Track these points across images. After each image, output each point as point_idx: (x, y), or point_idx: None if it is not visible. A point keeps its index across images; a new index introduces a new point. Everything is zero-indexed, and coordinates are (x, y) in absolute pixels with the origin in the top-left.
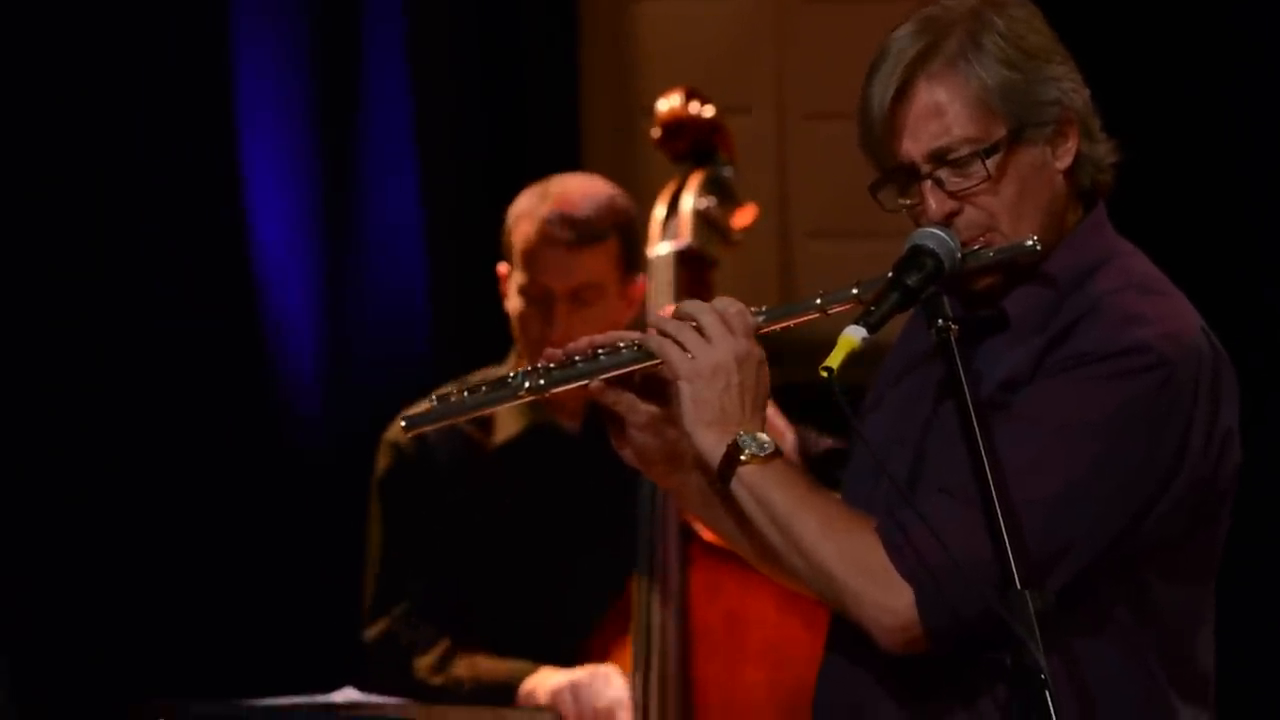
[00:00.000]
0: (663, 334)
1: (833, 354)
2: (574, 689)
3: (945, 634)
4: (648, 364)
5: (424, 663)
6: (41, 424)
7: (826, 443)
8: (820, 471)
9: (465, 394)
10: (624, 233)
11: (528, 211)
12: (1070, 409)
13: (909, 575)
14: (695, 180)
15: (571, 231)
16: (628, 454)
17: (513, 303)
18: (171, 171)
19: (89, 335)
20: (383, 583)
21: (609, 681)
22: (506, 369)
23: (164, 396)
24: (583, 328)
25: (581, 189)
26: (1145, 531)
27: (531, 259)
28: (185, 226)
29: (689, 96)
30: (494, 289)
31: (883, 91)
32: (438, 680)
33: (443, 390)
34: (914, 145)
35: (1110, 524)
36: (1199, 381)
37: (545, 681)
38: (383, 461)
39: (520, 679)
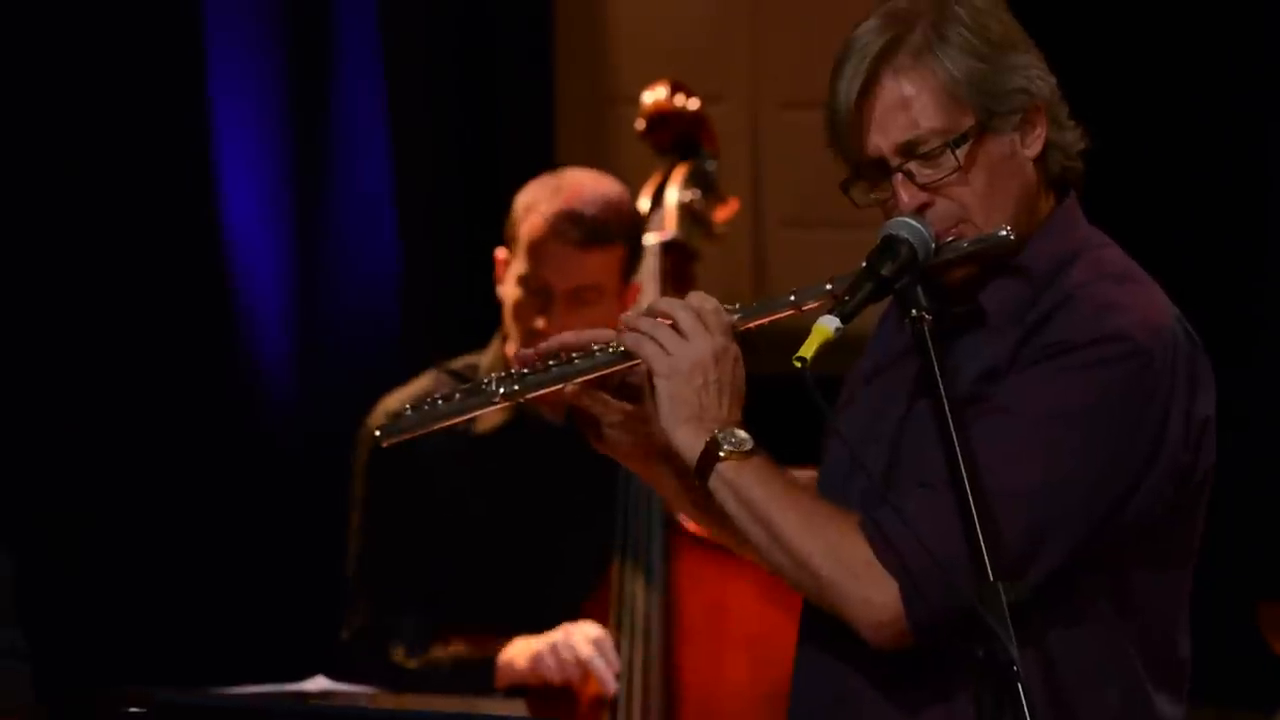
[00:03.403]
0: (638, 332)
1: (806, 344)
2: (552, 650)
3: (931, 628)
4: (622, 365)
5: (400, 649)
6: (11, 416)
7: None
8: None
9: (440, 401)
10: (630, 239)
11: (539, 203)
12: (1049, 398)
13: (894, 570)
14: (680, 173)
15: (581, 231)
16: (605, 452)
17: (509, 290)
18: (142, 159)
19: (59, 326)
20: (364, 573)
21: (585, 632)
22: (488, 357)
23: (135, 386)
24: (577, 327)
25: (596, 188)
26: (1126, 519)
27: (536, 252)
28: (156, 214)
29: (674, 89)
30: (467, 276)
31: (849, 87)
32: (414, 664)
33: (418, 399)
34: (883, 139)
35: (1092, 512)
36: (1176, 369)
37: (523, 650)
38: (363, 453)
39: (497, 652)
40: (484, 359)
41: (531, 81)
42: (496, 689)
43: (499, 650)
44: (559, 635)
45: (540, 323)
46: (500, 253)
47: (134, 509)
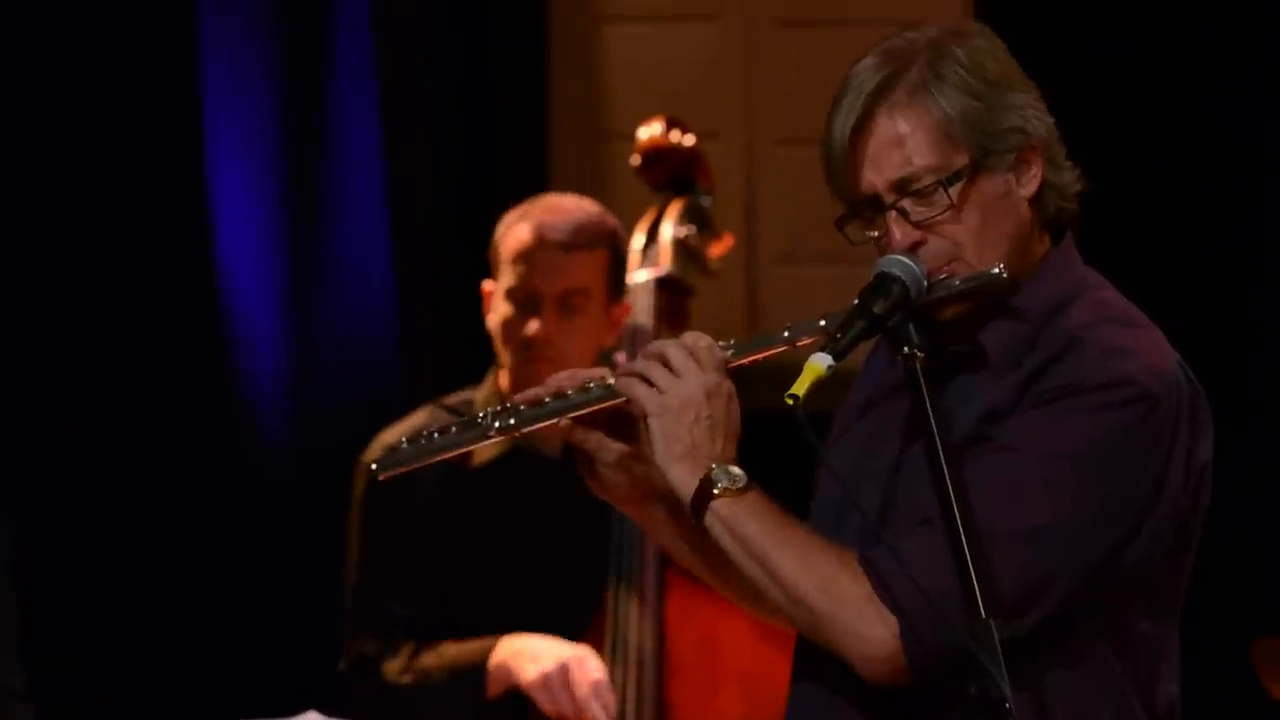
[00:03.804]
0: (630, 373)
1: (798, 382)
2: (562, 673)
3: (926, 666)
4: (617, 401)
5: (393, 666)
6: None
7: None
8: None
9: (436, 435)
10: (614, 249)
11: (519, 217)
12: (1056, 440)
13: (893, 606)
14: (675, 209)
15: (565, 234)
16: (598, 490)
17: (497, 311)
18: (137, 186)
19: (52, 351)
20: (362, 604)
21: (588, 670)
22: (483, 392)
23: (129, 413)
24: (567, 338)
25: (575, 201)
26: (1125, 563)
27: (522, 259)
28: (150, 241)
29: (669, 125)
30: (463, 307)
31: (844, 124)
32: (407, 679)
33: (413, 432)
34: (877, 176)
35: (1092, 555)
36: (1179, 415)
37: (528, 657)
38: (360, 485)
39: (487, 654)
40: (479, 394)
41: (527, 118)
42: (488, 698)
43: (488, 653)
44: (571, 660)
45: (532, 328)
46: (487, 285)
47: (125, 541)
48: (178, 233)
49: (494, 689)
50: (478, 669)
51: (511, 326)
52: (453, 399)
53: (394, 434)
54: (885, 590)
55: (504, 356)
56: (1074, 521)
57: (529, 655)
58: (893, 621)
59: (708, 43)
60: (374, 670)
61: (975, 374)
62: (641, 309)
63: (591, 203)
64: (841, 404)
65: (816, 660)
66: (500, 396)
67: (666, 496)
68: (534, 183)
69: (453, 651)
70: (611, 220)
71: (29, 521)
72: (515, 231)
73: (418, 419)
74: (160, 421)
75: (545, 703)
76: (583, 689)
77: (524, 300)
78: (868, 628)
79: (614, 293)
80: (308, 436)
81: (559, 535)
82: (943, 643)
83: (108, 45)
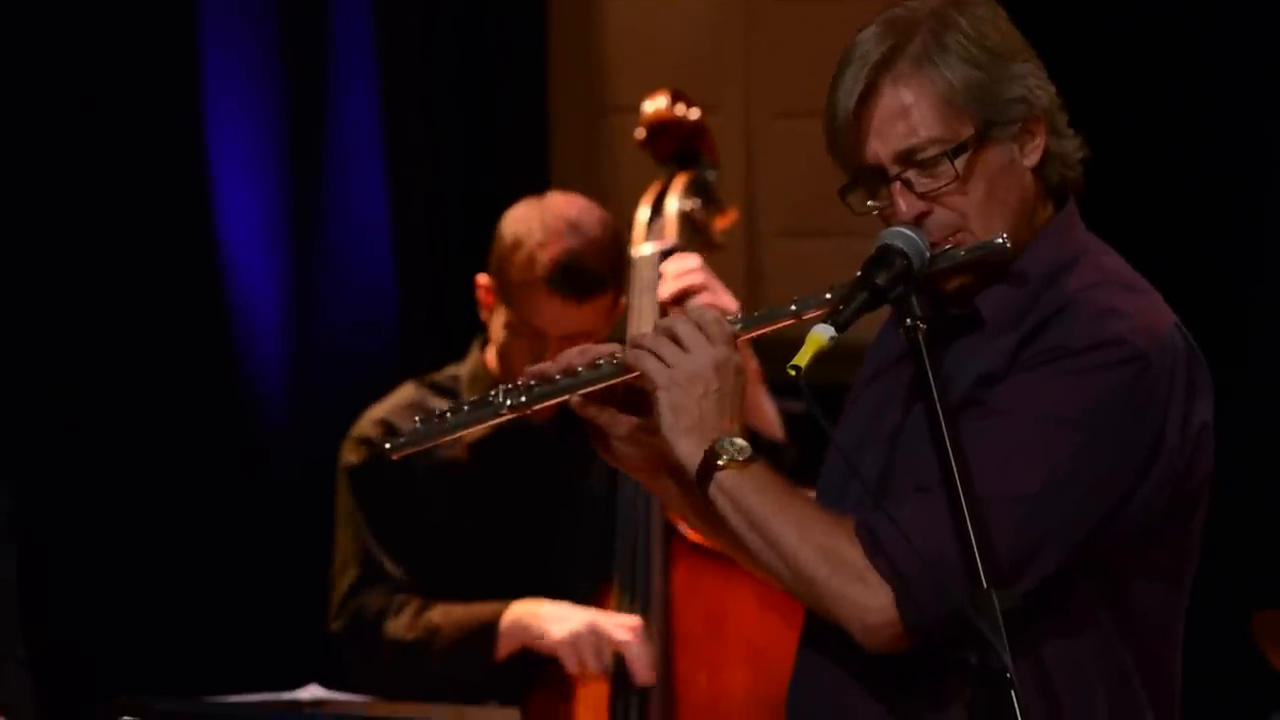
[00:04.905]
0: (639, 347)
1: (800, 352)
2: (578, 640)
3: (926, 631)
4: (627, 376)
5: (397, 623)
6: (11, 430)
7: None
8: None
9: (449, 415)
10: (620, 275)
11: (528, 252)
12: (1047, 402)
13: (888, 574)
14: (680, 182)
15: (575, 287)
16: (612, 461)
17: (498, 332)
18: (138, 174)
19: (55, 340)
20: (353, 573)
21: (618, 620)
22: (467, 367)
23: (132, 397)
24: None
25: (583, 232)
26: (1122, 525)
27: (527, 305)
28: (152, 228)
29: (674, 98)
30: (463, 290)
31: (848, 94)
32: (412, 635)
33: (424, 411)
34: (881, 146)
35: (1088, 516)
36: (1174, 375)
37: (544, 628)
38: (352, 456)
39: (498, 615)
40: (464, 369)
41: (526, 94)
42: (497, 659)
43: (500, 614)
44: (599, 619)
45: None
46: (482, 278)
47: (129, 521)
48: (179, 221)
49: (504, 649)
50: (489, 628)
51: (511, 355)
52: (438, 375)
53: (381, 409)
54: (882, 556)
55: (500, 374)
56: (1066, 484)
57: (552, 616)
58: (889, 588)
59: (707, 16)
60: (374, 628)
61: (976, 337)
62: (646, 283)
63: (599, 219)
64: (855, 377)
65: (821, 633)
66: (486, 371)
67: (677, 469)
68: (534, 159)
69: (461, 610)
70: (617, 239)
71: (35, 508)
72: (519, 266)
73: (402, 395)
74: (163, 409)
75: (571, 662)
76: (622, 634)
77: (526, 334)
78: (865, 595)
79: (616, 304)
80: (309, 421)
81: (558, 511)
82: (941, 608)
83: (109, 36)
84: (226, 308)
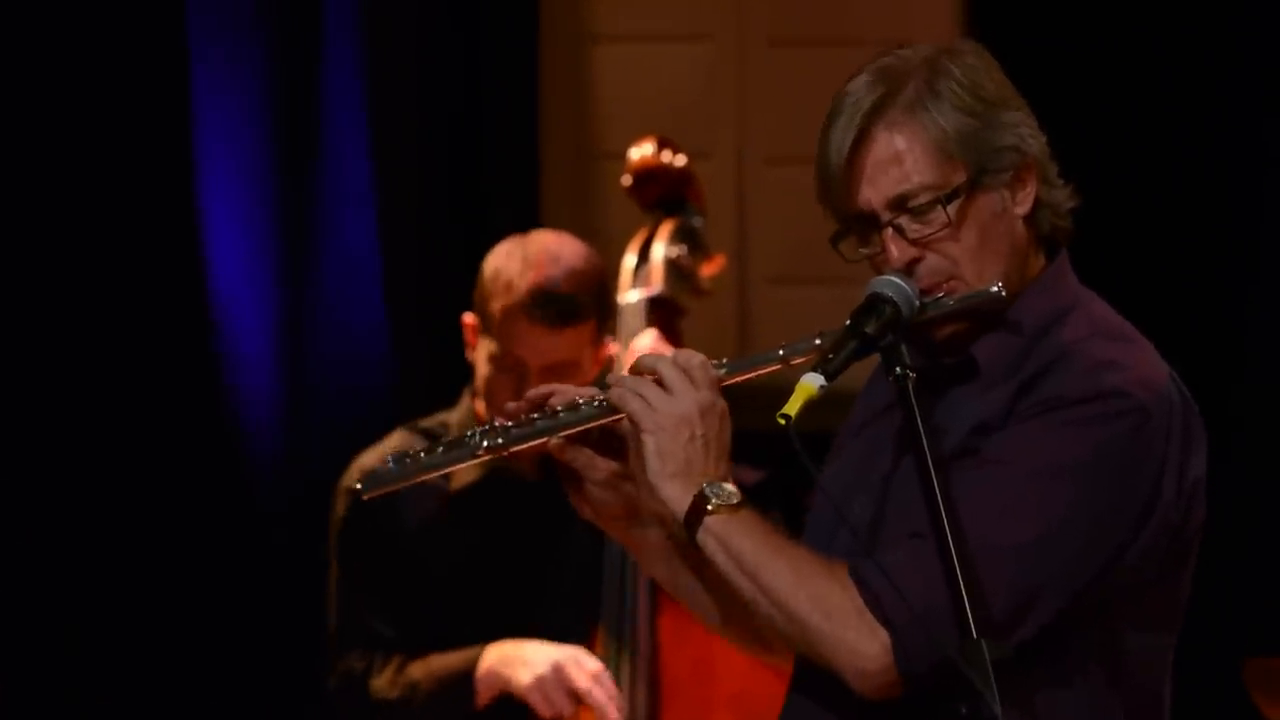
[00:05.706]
0: (623, 389)
1: (790, 401)
2: (542, 684)
3: (921, 678)
4: (608, 419)
5: (380, 681)
6: None
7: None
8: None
9: (422, 455)
10: (601, 306)
11: (507, 279)
12: (1044, 453)
13: (884, 620)
14: (666, 229)
15: (553, 313)
16: (586, 511)
17: (481, 366)
18: (128, 208)
19: (43, 371)
20: (344, 629)
21: (584, 664)
22: (458, 414)
23: (121, 434)
24: None
25: (564, 259)
26: (1116, 578)
27: (508, 333)
28: (142, 262)
29: (661, 145)
30: (453, 328)
31: (840, 141)
32: (395, 693)
33: (399, 451)
34: (874, 193)
35: (1083, 569)
36: (1171, 428)
37: (518, 661)
38: (340, 509)
39: (474, 662)
40: (454, 416)
41: (517, 139)
42: (478, 706)
43: (475, 661)
44: (564, 659)
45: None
46: (468, 318)
47: (117, 563)
48: (169, 256)
49: (484, 696)
50: (465, 677)
51: (495, 390)
52: (428, 421)
53: (371, 457)
54: (876, 603)
55: (486, 411)
56: (1062, 536)
57: (520, 660)
58: (884, 634)
59: (699, 63)
60: (361, 686)
61: (968, 387)
62: (632, 330)
63: (581, 252)
64: (843, 425)
65: (810, 680)
66: (476, 420)
67: (655, 516)
68: (525, 203)
69: (439, 662)
70: (598, 272)
71: (25, 532)
72: (500, 297)
73: (393, 441)
74: (153, 441)
75: (541, 706)
76: (582, 681)
77: (509, 367)
78: (859, 641)
79: (600, 340)
80: (299, 457)
81: (544, 559)
82: (933, 655)
83: (98, 67)
84: (216, 343)
